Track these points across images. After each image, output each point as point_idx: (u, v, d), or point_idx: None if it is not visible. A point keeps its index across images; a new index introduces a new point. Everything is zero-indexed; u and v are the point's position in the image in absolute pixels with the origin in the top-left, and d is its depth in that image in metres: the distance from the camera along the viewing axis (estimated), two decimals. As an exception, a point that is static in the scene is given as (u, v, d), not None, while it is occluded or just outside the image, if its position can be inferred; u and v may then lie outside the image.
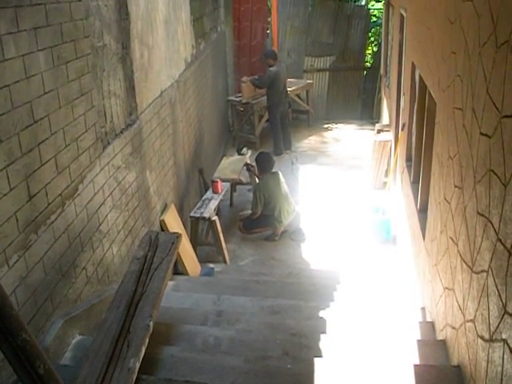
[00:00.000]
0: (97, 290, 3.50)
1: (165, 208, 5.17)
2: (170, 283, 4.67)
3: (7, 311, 1.56)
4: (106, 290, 3.61)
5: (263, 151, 7.11)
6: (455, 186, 3.00)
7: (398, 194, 6.32)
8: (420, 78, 4.88)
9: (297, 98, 10.83)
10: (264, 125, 10.17)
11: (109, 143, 3.70)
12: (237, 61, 10.82)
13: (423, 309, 4.11)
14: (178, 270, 5.29)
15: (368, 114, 12.06)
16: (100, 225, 3.55)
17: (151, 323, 2.81)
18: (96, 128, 3.43)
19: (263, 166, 6.89)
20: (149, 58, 4.64)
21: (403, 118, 6.19)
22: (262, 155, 6.97)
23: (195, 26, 6.93)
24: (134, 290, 2.99)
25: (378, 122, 10.90)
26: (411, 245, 5.06)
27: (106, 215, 3.67)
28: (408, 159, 5.81)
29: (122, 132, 3.96)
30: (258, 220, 6.82)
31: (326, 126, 11.47)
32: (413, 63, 5.45)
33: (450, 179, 3.14)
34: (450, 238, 3.09)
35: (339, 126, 11.52)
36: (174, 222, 5.17)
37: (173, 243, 3.43)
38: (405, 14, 6.39)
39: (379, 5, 18.54)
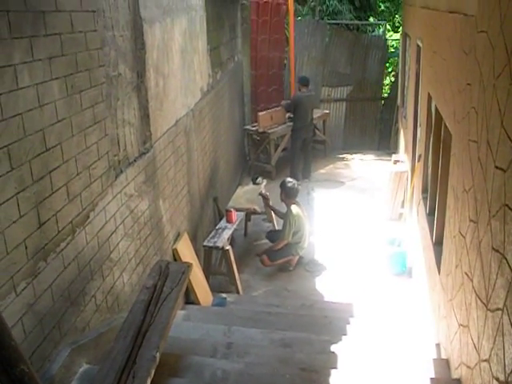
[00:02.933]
0: (106, 319, 3.46)
1: (178, 237, 5.15)
2: (181, 313, 4.63)
3: (6, 341, 1.53)
4: (115, 318, 3.57)
5: (288, 178, 7.09)
6: (470, 220, 2.94)
7: (414, 226, 6.24)
8: (436, 109, 4.85)
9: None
10: (280, 154, 10.18)
11: (122, 171, 3.70)
12: (254, 90, 10.89)
13: (438, 345, 4.00)
14: (190, 299, 5.24)
15: (385, 144, 12.03)
16: (111, 253, 3.54)
17: (158, 354, 2.76)
18: (109, 156, 3.44)
19: (290, 192, 6.84)
20: (164, 86, 4.68)
21: (419, 150, 6.14)
22: (289, 182, 6.91)
23: (212, 56, 7.01)
24: (142, 319, 2.95)
25: (395, 153, 10.86)
26: (426, 278, 4.97)
27: (118, 243, 3.65)
28: (424, 191, 5.74)
29: (135, 160, 3.97)
30: (283, 250, 6.75)
31: (343, 156, 11.44)
32: (429, 94, 5.43)
33: (465, 213, 3.08)
34: (465, 273, 3.01)
35: (356, 156, 11.48)
36: (186, 250, 5.14)
37: (183, 273, 3.39)
38: (421, 45, 6.40)
39: (397, 35, 18.73)
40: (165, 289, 3.26)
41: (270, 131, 9.76)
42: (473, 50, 3.03)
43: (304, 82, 9.58)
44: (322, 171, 10.55)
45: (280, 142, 10.19)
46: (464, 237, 3.11)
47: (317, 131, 11.03)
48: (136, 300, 3.16)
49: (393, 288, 6.28)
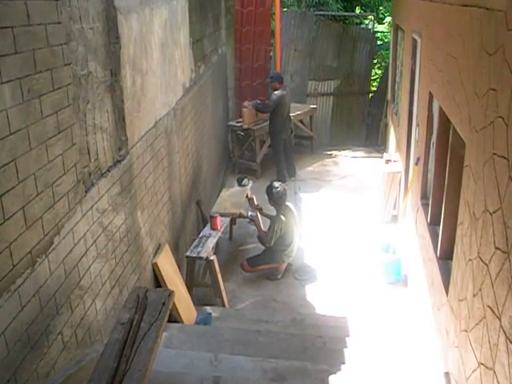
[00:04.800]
0: (75, 356, 3.01)
1: (158, 249, 4.70)
2: (162, 335, 4.17)
3: None
4: (86, 354, 3.12)
5: (274, 181, 6.61)
6: (496, 248, 2.53)
7: (411, 233, 5.85)
8: (441, 111, 4.44)
9: (300, 124, 10.40)
10: (266, 151, 9.74)
11: (93, 184, 3.24)
12: (238, 84, 10.40)
13: (447, 374, 3.62)
14: (172, 317, 4.79)
15: (373, 140, 11.65)
16: (81, 279, 3.07)
17: (134, 412, 2.32)
18: (77, 169, 2.97)
19: (278, 198, 6.40)
20: (142, 85, 4.20)
21: (417, 152, 5.74)
22: (275, 188, 6.44)
23: (195, 49, 6.52)
24: (115, 367, 2.50)
25: (384, 149, 10.50)
26: (429, 293, 4.58)
27: (89, 267, 3.19)
28: (423, 197, 5.35)
29: (109, 170, 3.50)
30: (265, 256, 6.34)
31: (330, 152, 11.03)
32: (430, 93, 5.02)
33: (489, 238, 2.67)
34: (489, 306, 2.61)
35: (344, 152, 11.08)
36: (167, 264, 4.69)
37: (163, 304, 2.95)
38: (418, 39, 5.98)
39: (381, 27, 18.33)
40: (142, 324, 2.81)
41: (255, 128, 9.30)
42: (500, 50, 2.61)
43: (280, 79, 9.08)
44: (310, 169, 10.13)
45: (266, 139, 9.74)
46: (486, 264, 2.71)
47: (303, 127, 10.60)
48: (109, 339, 2.71)
49: (388, 298, 5.91)
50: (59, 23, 2.68)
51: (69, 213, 2.88)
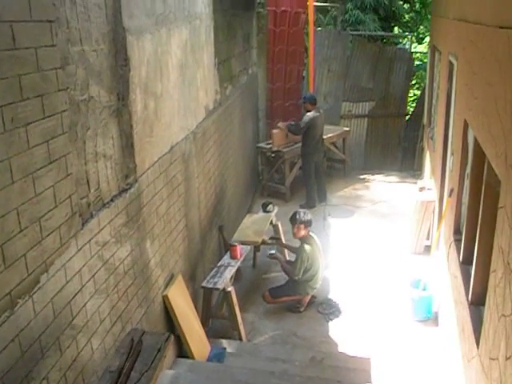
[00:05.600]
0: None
1: (170, 280, 4.46)
2: (169, 373, 3.90)
3: None
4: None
5: (298, 210, 6.29)
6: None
7: (443, 268, 5.46)
8: (475, 141, 4.10)
9: (332, 147, 10.09)
10: (296, 174, 9.45)
11: (92, 216, 3.03)
12: (270, 105, 10.20)
13: None
14: (183, 350, 4.54)
15: (409, 164, 11.23)
16: (74, 318, 2.85)
17: None
18: (72, 200, 2.76)
19: (307, 222, 6.06)
20: (156, 108, 4.00)
21: (451, 182, 5.38)
22: (299, 213, 6.11)
23: (220, 70, 6.33)
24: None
25: (419, 174, 10.08)
26: (459, 340, 4.20)
27: (84, 304, 2.97)
28: (457, 231, 4.98)
29: (112, 200, 3.29)
30: (288, 287, 6.03)
31: (363, 176, 10.65)
32: (465, 121, 4.68)
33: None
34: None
35: (378, 177, 10.69)
36: (179, 297, 4.45)
37: (159, 350, 2.71)
38: (455, 62, 5.64)
39: (421, 47, 17.90)
40: (133, 374, 2.58)
41: (284, 150, 9.04)
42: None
43: (313, 100, 8.81)
44: (341, 193, 9.78)
45: (296, 161, 9.46)
46: (522, 324, 2.37)
47: (336, 150, 10.28)
48: (94, 391, 2.47)
49: (416, 338, 5.52)
50: (53, 46, 2.50)
51: (60, 248, 2.67)
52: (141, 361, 2.63)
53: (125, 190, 3.49)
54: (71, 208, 2.76)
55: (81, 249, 2.89)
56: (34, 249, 2.43)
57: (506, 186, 2.89)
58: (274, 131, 9.09)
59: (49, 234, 2.55)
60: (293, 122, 9.06)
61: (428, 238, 7.28)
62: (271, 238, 6.49)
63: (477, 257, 3.81)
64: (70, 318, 2.81)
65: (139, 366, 2.61)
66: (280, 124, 9.27)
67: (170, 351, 2.95)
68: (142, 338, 2.80)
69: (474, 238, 4.13)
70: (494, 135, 3.28)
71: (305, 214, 6.06)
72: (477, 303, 3.84)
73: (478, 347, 3.38)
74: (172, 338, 2.88)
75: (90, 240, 3.00)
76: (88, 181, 2.97)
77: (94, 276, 3.07)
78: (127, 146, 3.49)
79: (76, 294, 2.86)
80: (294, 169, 9.35)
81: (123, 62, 3.34)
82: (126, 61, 3.37)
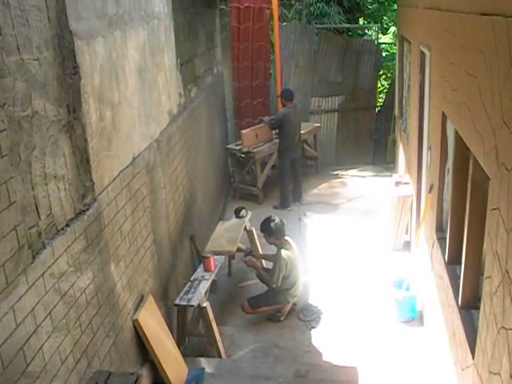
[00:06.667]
0: None
1: (140, 302, 4.14)
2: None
3: None
4: None
5: (270, 216, 5.94)
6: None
7: (426, 267, 5.25)
8: (457, 135, 3.87)
9: (304, 144, 9.83)
10: (268, 174, 9.16)
11: (44, 246, 2.68)
12: (237, 104, 9.88)
13: None
14: (159, 378, 4.22)
15: (381, 157, 11.07)
16: (28, 365, 2.51)
17: None
18: (18, 232, 2.42)
19: (276, 232, 5.77)
20: (113, 118, 3.66)
21: (430, 178, 5.16)
22: (273, 221, 5.80)
23: (183, 71, 6.00)
24: None
25: (393, 168, 9.92)
26: (449, 345, 3.98)
27: (41, 347, 2.63)
28: (439, 229, 4.77)
29: (68, 225, 2.95)
30: (268, 296, 5.74)
31: (337, 172, 10.43)
32: (443, 114, 4.46)
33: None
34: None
35: (351, 172, 10.48)
36: (151, 319, 4.12)
37: (127, 395, 2.39)
38: (427, 53, 5.42)
39: (385, 38, 17.76)
40: (99, 427, 2.25)
41: (255, 150, 8.75)
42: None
43: (288, 95, 8.55)
44: (315, 191, 9.54)
45: (268, 161, 9.18)
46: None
47: (307, 147, 10.04)
48: None
49: (402, 339, 5.31)
50: (-18, 57, 2.16)
51: (6, 289, 2.33)
52: (107, 410, 2.34)
53: (82, 212, 3.15)
54: (17, 241, 2.42)
55: (32, 285, 2.55)
56: (-29, 295, 2.09)
57: (498, 186, 2.64)
58: (243, 131, 8.80)
59: (-10, 275, 2.22)
60: (273, 118, 8.80)
61: (407, 233, 7.09)
62: (245, 253, 6.15)
63: (465, 259, 3.59)
64: (23, 366, 2.47)
65: (105, 416, 2.31)
66: (265, 118, 9.06)
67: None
68: (107, 382, 2.48)
69: (459, 237, 3.92)
70: (480, 130, 3.05)
71: (275, 224, 5.75)
72: (467, 307, 3.62)
73: (473, 357, 3.15)
74: (142, 378, 2.57)
75: (43, 273, 2.66)
76: (37, 207, 2.63)
77: (50, 313, 2.73)
78: (82, 162, 3.15)
79: (30, 337, 2.52)
80: (266, 169, 9.07)
81: (72, 70, 3.00)
82: (75, 68, 3.03)
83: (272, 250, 6.08)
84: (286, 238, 5.85)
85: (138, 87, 4.27)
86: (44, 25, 2.72)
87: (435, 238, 4.74)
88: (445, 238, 4.44)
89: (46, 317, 2.69)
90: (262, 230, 5.83)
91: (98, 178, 3.37)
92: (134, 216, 4.05)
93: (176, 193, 5.42)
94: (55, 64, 2.84)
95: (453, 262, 4.18)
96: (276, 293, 5.68)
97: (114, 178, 3.66)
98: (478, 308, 3.47)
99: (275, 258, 5.68)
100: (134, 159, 4.08)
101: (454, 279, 4.00)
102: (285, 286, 5.66)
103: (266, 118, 9.02)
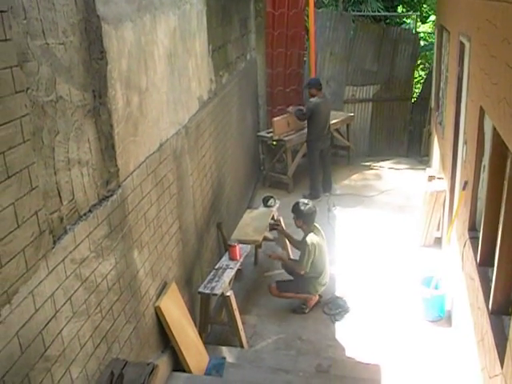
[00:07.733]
0: None
1: (163, 289, 4.13)
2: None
3: None
4: None
5: (301, 200, 5.84)
6: None
7: (457, 267, 5.10)
8: (495, 132, 3.71)
9: (336, 133, 9.67)
10: (299, 162, 9.04)
11: (66, 232, 2.67)
12: (270, 91, 9.77)
13: None
14: (179, 364, 4.22)
15: (415, 149, 10.81)
16: (47, 349, 2.51)
17: None
18: (39, 217, 2.41)
19: (306, 217, 5.65)
20: (140, 104, 3.63)
21: (465, 174, 4.99)
22: (305, 204, 5.70)
23: (215, 57, 5.93)
24: None
25: (427, 161, 9.69)
26: (477, 350, 3.85)
27: (60, 331, 2.63)
28: (472, 228, 4.61)
29: (90, 211, 2.94)
30: (297, 283, 5.66)
31: (369, 163, 10.24)
32: (481, 108, 4.29)
33: None
34: None
35: (384, 163, 10.27)
36: (173, 306, 4.11)
37: (142, 385, 2.37)
38: (467, 44, 5.22)
39: (425, 26, 17.33)
40: (112, 417, 2.24)
41: (286, 138, 8.65)
42: None
43: (318, 85, 8.38)
44: (346, 182, 9.39)
45: (299, 149, 9.06)
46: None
47: (339, 136, 9.87)
48: None
49: (428, 339, 5.19)
50: (6, 41, 2.12)
51: (26, 273, 2.32)
52: (121, 400, 2.32)
53: (106, 198, 3.13)
54: (38, 226, 2.41)
55: (53, 270, 2.54)
56: (-12, 280, 2.09)
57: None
58: (275, 119, 8.69)
59: (10, 260, 2.20)
60: (301, 107, 8.64)
61: (438, 229, 6.92)
62: (271, 225, 6.09)
63: (498, 262, 3.45)
64: (42, 350, 2.47)
65: (119, 406, 2.29)
66: (290, 108, 8.88)
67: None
68: (123, 371, 2.47)
69: (493, 238, 3.78)
70: (519, 128, 2.91)
71: (305, 208, 5.65)
72: (498, 312, 3.49)
73: (502, 365, 3.04)
74: (158, 368, 2.55)
75: (63, 259, 2.65)
76: (59, 192, 2.61)
77: (70, 298, 2.73)
78: (107, 148, 3.12)
79: (49, 322, 2.52)
80: (297, 158, 8.96)
81: (99, 54, 2.96)
82: (102, 53, 2.99)
83: (299, 236, 5.96)
84: (316, 224, 5.75)
85: (167, 73, 4.23)
86: (71, 9, 2.69)
87: (467, 237, 4.59)
88: (477, 238, 4.29)
89: (66, 302, 2.69)
90: (292, 211, 5.74)
91: (123, 163, 3.34)
92: (159, 202, 4.03)
93: (204, 179, 5.39)
94: (81, 48, 2.80)
95: (485, 264, 4.04)
96: (305, 281, 5.58)
97: (140, 164, 3.64)
98: (509, 314, 3.35)
99: (303, 243, 5.57)
100: (161, 145, 4.05)
101: (485, 282, 3.86)
102: (313, 273, 5.56)
103: (291, 108, 8.81)
